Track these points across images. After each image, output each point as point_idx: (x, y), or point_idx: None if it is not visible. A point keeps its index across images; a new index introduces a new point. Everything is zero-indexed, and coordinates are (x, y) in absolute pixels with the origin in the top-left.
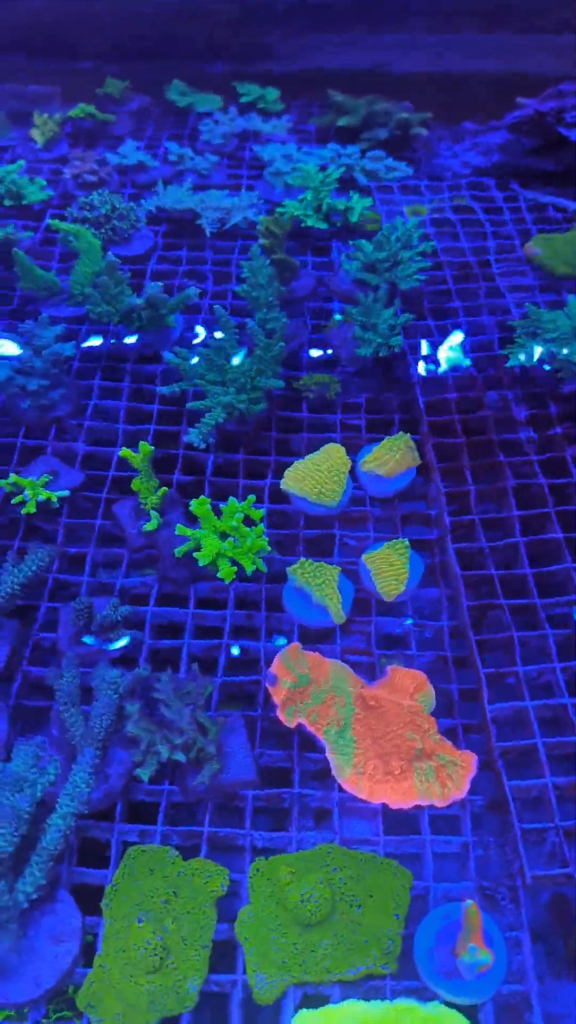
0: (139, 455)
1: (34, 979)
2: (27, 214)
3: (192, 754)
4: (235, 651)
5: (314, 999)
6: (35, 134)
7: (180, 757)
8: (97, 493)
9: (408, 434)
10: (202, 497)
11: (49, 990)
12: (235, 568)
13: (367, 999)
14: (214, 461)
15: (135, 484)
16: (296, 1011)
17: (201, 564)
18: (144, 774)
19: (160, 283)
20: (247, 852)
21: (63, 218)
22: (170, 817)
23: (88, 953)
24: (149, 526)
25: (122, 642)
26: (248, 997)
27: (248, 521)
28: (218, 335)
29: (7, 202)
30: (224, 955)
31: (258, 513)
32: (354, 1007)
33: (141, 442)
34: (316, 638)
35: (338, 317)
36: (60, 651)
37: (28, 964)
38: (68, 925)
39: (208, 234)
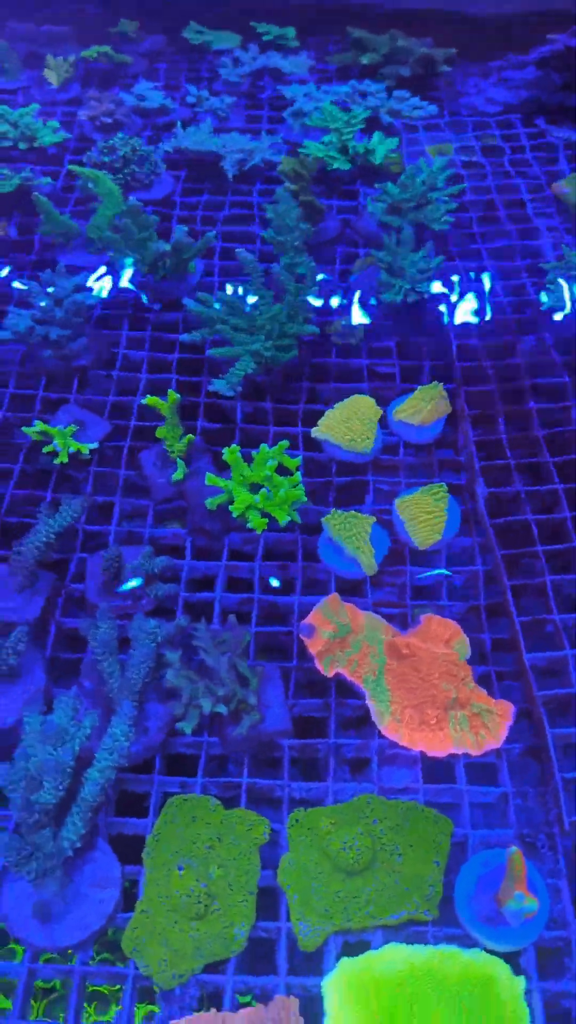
0: (166, 402)
1: (80, 923)
2: (42, 158)
3: (232, 705)
4: (274, 583)
5: (356, 946)
6: (49, 76)
7: (222, 709)
8: (121, 442)
9: (440, 383)
10: (233, 445)
11: (94, 933)
12: (266, 520)
13: (408, 945)
14: (241, 410)
15: (160, 432)
16: (339, 958)
17: (236, 515)
18: (187, 727)
19: (185, 227)
20: (285, 803)
21: (81, 163)
22: (208, 769)
23: (128, 900)
24: (176, 476)
25: (133, 583)
26: (292, 943)
27: (282, 470)
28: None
29: (21, 145)
30: (268, 902)
31: (294, 461)
32: (396, 952)
33: (169, 390)
34: (350, 589)
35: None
36: (90, 602)
37: (73, 909)
38: (109, 872)
39: (231, 177)
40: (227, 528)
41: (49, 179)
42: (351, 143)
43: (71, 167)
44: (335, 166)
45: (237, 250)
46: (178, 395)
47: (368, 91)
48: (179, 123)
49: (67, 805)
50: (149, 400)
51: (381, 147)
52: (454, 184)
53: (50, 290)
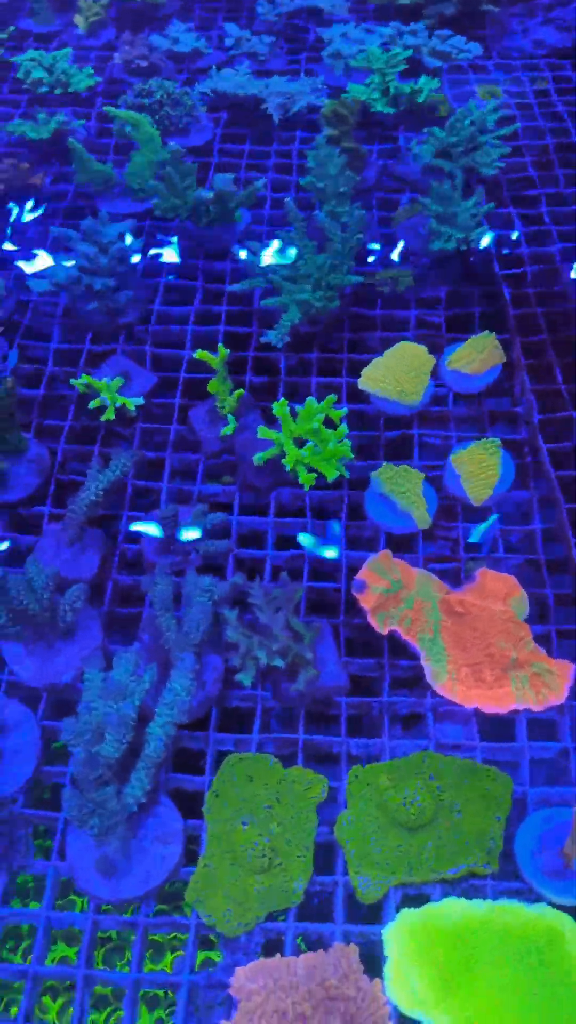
0: (217, 356)
1: (143, 877)
2: (76, 103)
3: (288, 660)
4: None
5: (415, 899)
6: (79, 20)
7: (278, 663)
8: (169, 399)
9: (493, 332)
10: (282, 399)
11: (157, 887)
12: (314, 475)
13: (468, 899)
14: (286, 362)
15: (211, 386)
16: (397, 910)
17: (289, 469)
18: (245, 679)
19: (230, 175)
20: (342, 759)
21: (116, 107)
22: (263, 725)
23: (190, 854)
24: (226, 430)
25: (192, 532)
26: (349, 896)
27: (328, 423)
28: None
29: (57, 91)
30: (324, 857)
31: (338, 413)
32: (455, 905)
33: (219, 344)
34: (400, 545)
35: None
36: (147, 560)
37: (137, 864)
38: (171, 827)
39: (276, 121)
40: (276, 483)
41: (83, 122)
42: (394, 84)
43: (108, 109)
44: (377, 108)
45: (285, 199)
46: (227, 350)
47: (410, 31)
48: (213, 67)
49: (127, 762)
50: (199, 354)
51: (426, 88)
52: (504, 127)
53: (87, 246)
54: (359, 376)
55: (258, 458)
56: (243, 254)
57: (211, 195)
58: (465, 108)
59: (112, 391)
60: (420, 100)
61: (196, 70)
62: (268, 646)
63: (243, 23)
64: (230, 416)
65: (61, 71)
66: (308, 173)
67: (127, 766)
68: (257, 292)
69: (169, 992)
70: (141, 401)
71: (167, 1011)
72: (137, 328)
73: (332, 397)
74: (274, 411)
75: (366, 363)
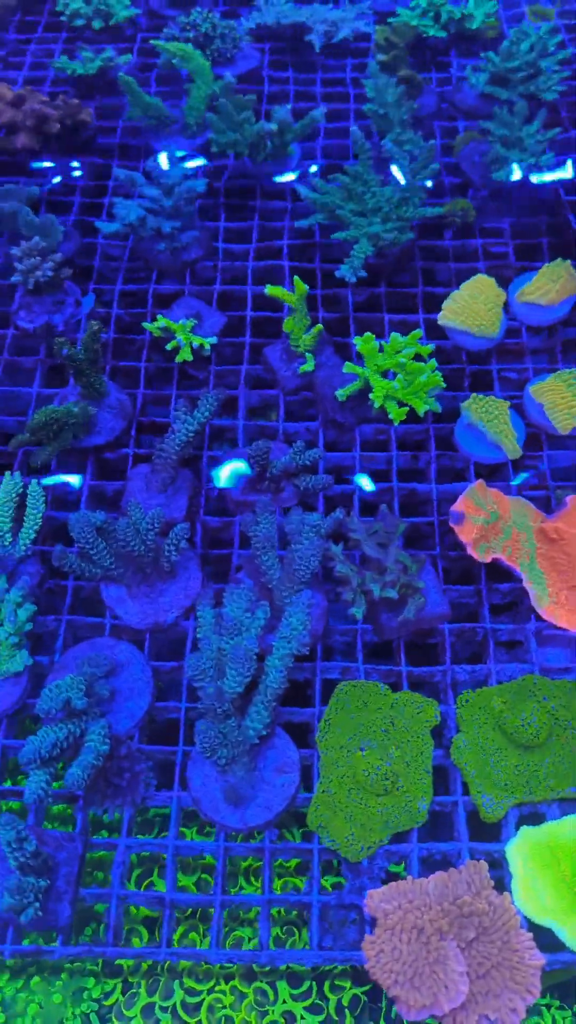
0: (294, 293)
1: (266, 805)
2: (117, 37)
3: (397, 591)
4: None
5: (530, 818)
6: None
7: (392, 594)
8: (240, 337)
9: (568, 260)
10: (367, 334)
11: (279, 814)
12: (405, 409)
13: None
14: (354, 298)
15: (287, 324)
16: (517, 827)
17: (378, 405)
18: (358, 612)
19: (288, 105)
20: (448, 686)
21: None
22: (366, 656)
23: (305, 782)
24: (305, 368)
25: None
26: (470, 815)
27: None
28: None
29: (96, 23)
30: (440, 779)
31: (426, 348)
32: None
33: (296, 279)
34: (490, 475)
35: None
36: (234, 499)
37: (259, 793)
38: (287, 757)
39: (317, 49)
40: (358, 419)
41: (129, 57)
42: (445, 8)
43: (156, 43)
44: (429, 34)
45: (351, 127)
46: (306, 286)
47: None
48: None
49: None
50: (273, 290)
51: (479, 11)
52: (562, 50)
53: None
54: (431, 310)
55: (341, 393)
56: (307, 188)
57: (275, 127)
58: (520, 31)
59: (186, 332)
60: (475, 26)
61: (242, 1)
62: (380, 579)
63: None
64: (307, 354)
65: (100, 2)
66: (364, 102)
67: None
68: (317, 228)
69: (299, 912)
70: (215, 340)
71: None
72: (200, 266)
73: (418, 332)
74: (359, 347)
75: (438, 297)
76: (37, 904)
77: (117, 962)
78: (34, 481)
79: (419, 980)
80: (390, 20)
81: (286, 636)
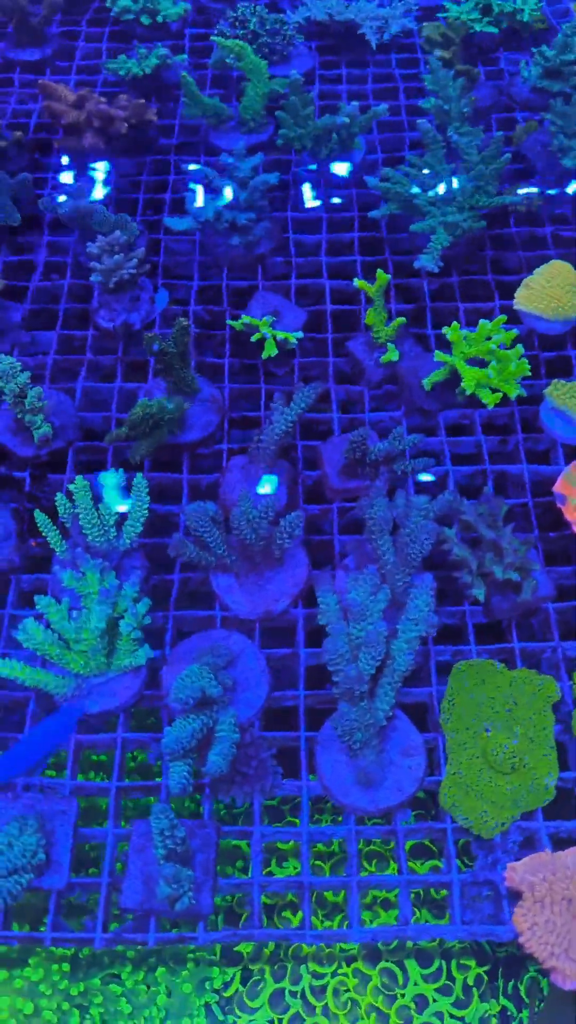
0: (375, 285)
1: (396, 787)
2: (166, 34)
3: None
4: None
5: None
6: None
7: (514, 575)
8: (321, 334)
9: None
10: (454, 323)
11: (410, 796)
12: (499, 395)
13: None
14: (428, 287)
15: (369, 317)
16: None
17: (468, 392)
18: (480, 594)
19: (355, 102)
20: (560, 663)
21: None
22: (477, 638)
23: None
24: (387, 357)
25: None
26: None
27: None
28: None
29: (144, 19)
30: (560, 755)
31: (510, 335)
32: None
33: (378, 271)
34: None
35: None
36: (332, 487)
37: (389, 775)
38: (412, 740)
39: (374, 46)
40: (442, 405)
41: (184, 56)
42: (496, 3)
43: (215, 39)
44: (478, 29)
45: (419, 121)
46: (388, 276)
47: None
48: None
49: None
50: (360, 283)
51: (527, 5)
52: None
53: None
54: (505, 297)
55: (427, 381)
56: (377, 180)
57: (346, 120)
58: (573, 24)
59: (270, 327)
60: (524, 19)
61: None
62: (499, 561)
63: None
64: (390, 345)
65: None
66: (415, 96)
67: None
68: (383, 222)
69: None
70: (301, 335)
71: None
72: (272, 259)
73: (503, 317)
74: (449, 336)
75: (510, 284)
76: (191, 893)
77: (236, 949)
78: (139, 474)
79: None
80: (439, 15)
81: (413, 618)
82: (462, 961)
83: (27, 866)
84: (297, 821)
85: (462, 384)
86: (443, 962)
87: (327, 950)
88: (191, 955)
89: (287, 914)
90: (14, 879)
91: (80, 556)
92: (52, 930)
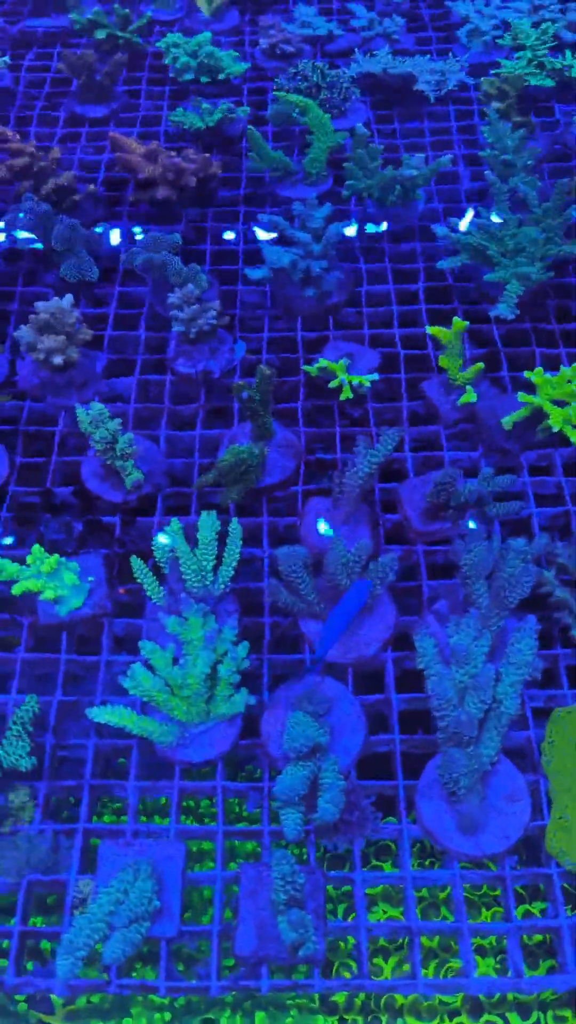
0: (450, 331)
1: (502, 833)
2: (225, 90)
3: None
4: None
5: None
6: (203, 4)
7: None
8: (395, 373)
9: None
10: (538, 368)
11: (516, 842)
12: None
13: None
14: (498, 332)
15: (443, 361)
16: None
17: (555, 429)
18: None
19: (420, 154)
20: None
21: (262, 91)
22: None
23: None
24: (466, 398)
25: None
26: None
27: None
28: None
29: (203, 78)
30: None
31: None
32: None
33: (455, 318)
34: None
35: None
36: (414, 529)
37: (493, 820)
38: (515, 783)
39: (432, 100)
40: (523, 446)
41: (247, 110)
42: (547, 59)
43: (278, 94)
44: (534, 83)
45: (486, 172)
46: (466, 322)
47: (543, 5)
48: (357, 50)
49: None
50: (433, 330)
51: None
52: None
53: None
54: (569, 344)
55: (508, 420)
56: (445, 229)
57: (415, 173)
58: None
59: (345, 371)
60: (573, 74)
61: (333, 53)
62: None
63: (365, 4)
64: (467, 385)
65: (206, 55)
66: (470, 148)
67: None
68: (448, 271)
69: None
70: (376, 377)
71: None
72: (344, 309)
73: None
74: (532, 379)
75: (572, 332)
76: (314, 938)
77: (332, 999)
78: (234, 519)
79: None
80: (493, 71)
81: (516, 662)
82: (558, 1012)
83: (146, 914)
84: (386, 865)
85: (547, 422)
86: (540, 1014)
87: (425, 1003)
88: (291, 1002)
89: (378, 961)
90: (135, 928)
91: (185, 601)
92: (166, 978)
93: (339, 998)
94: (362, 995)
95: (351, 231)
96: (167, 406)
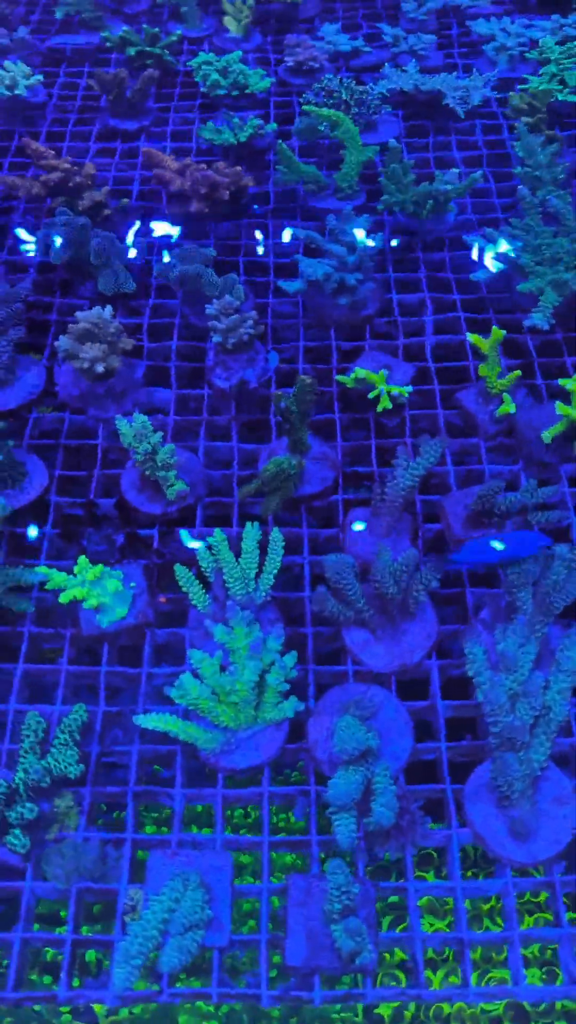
0: (489, 340)
1: (553, 838)
2: (253, 104)
3: None
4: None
5: None
6: (230, 23)
7: None
8: (428, 385)
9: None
10: (574, 376)
11: (567, 846)
12: None
13: None
14: (533, 342)
15: (483, 370)
16: None
17: None
18: None
19: (455, 169)
20: None
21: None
22: None
23: None
24: (504, 409)
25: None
26: None
27: None
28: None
29: (234, 93)
30: None
31: None
32: None
33: (494, 327)
34: None
35: None
36: (456, 537)
37: (544, 825)
38: (563, 789)
39: (462, 115)
40: (562, 458)
41: (275, 125)
42: (571, 74)
43: (308, 108)
44: (560, 98)
45: (518, 187)
46: (503, 332)
47: (567, 23)
48: (387, 65)
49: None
50: (473, 339)
51: None
52: None
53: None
54: None
55: (547, 434)
56: (482, 240)
57: (450, 187)
58: None
59: (384, 381)
60: None
61: (356, 69)
62: None
63: (386, 22)
64: (505, 396)
65: (238, 73)
66: (499, 163)
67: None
68: (481, 282)
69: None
70: (411, 388)
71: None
72: (378, 319)
73: None
74: (569, 388)
75: None
76: (370, 947)
77: (376, 1011)
78: (275, 529)
79: None
80: (521, 87)
81: (567, 669)
82: None
83: (200, 922)
84: (429, 875)
85: None
86: None
87: (469, 1010)
88: (336, 1015)
89: (427, 973)
90: (190, 936)
91: (231, 608)
92: (217, 986)
93: (384, 1010)
94: (412, 1007)
95: (360, 233)
96: (205, 417)
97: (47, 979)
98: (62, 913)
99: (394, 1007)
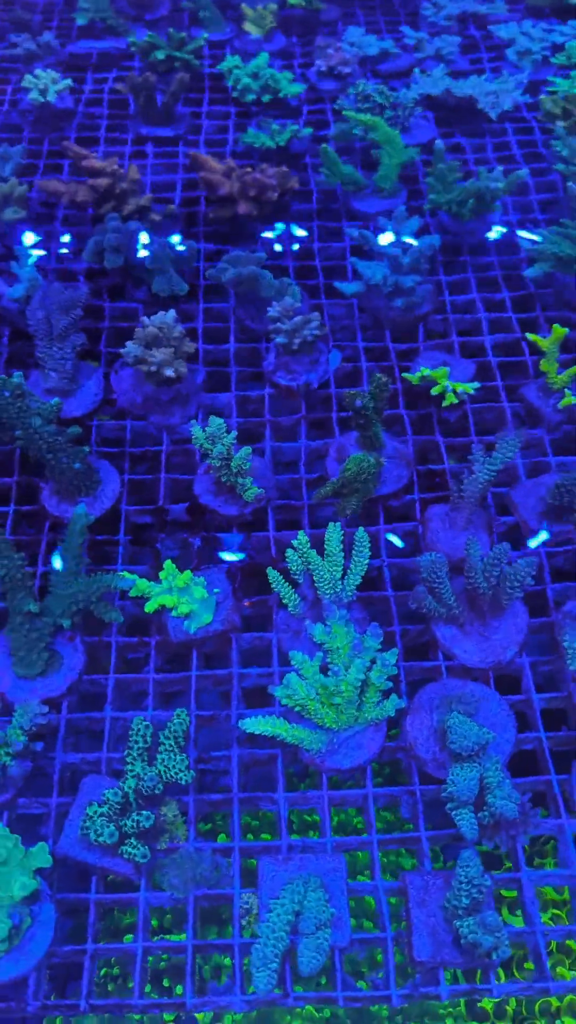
0: (549, 339)
1: None
2: (285, 111)
3: None
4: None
5: None
6: (251, 27)
7: None
8: (491, 381)
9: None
10: None
11: None
12: None
13: None
14: None
15: (544, 365)
16: None
17: None
18: None
19: (500, 167)
20: None
21: (323, 111)
22: None
23: None
24: (566, 402)
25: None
26: None
27: None
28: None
29: (265, 97)
30: None
31: None
32: None
33: (555, 325)
34: None
35: None
36: (529, 529)
37: None
38: None
39: (494, 118)
40: None
41: (311, 130)
42: None
43: (347, 113)
44: None
45: (568, 184)
46: (565, 329)
47: None
48: (417, 71)
49: None
50: (532, 337)
51: None
52: None
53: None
54: None
55: None
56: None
57: (498, 185)
58: None
59: (443, 377)
60: None
61: (385, 73)
62: None
63: (403, 26)
64: (567, 389)
65: (269, 77)
66: (533, 161)
67: None
68: (528, 280)
69: None
70: (477, 384)
71: None
72: (433, 319)
73: None
74: None
75: None
76: (507, 942)
77: (480, 1005)
78: (361, 528)
79: None
80: (549, 90)
81: None
82: None
83: (328, 920)
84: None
85: None
86: None
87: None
88: (443, 1011)
89: (528, 965)
90: (321, 934)
91: (328, 608)
92: (341, 988)
93: (487, 1004)
94: (513, 1002)
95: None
96: (268, 419)
97: (178, 988)
98: (154, 922)
99: (495, 1001)
